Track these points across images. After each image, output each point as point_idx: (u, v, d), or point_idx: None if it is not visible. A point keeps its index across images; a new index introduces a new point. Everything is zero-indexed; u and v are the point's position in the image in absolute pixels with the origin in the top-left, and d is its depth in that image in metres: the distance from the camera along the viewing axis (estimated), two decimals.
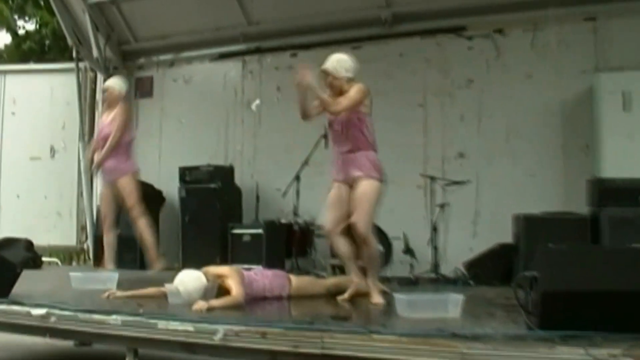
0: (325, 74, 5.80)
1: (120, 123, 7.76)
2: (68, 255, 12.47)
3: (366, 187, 5.61)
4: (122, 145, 7.81)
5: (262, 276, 5.78)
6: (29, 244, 9.78)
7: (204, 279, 5.27)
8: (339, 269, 7.84)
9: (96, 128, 7.93)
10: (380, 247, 8.56)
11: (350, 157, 5.72)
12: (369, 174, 5.65)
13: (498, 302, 5.67)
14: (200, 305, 4.84)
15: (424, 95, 9.43)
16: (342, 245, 5.76)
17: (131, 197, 7.78)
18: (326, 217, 5.81)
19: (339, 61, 5.83)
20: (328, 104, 5.65)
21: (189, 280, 5.25)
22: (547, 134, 8.73)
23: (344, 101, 5.63)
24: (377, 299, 5.49)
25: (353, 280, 5.81)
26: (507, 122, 8.88)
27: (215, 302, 4.98)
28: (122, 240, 10.02)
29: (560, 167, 8.60)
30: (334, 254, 8.48)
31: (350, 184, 5.70)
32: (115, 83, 8.11)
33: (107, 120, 7.90)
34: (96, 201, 11.03)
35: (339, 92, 5.75)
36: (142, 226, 7.85)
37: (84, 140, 11.03)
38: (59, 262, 11.66)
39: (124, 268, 9.04)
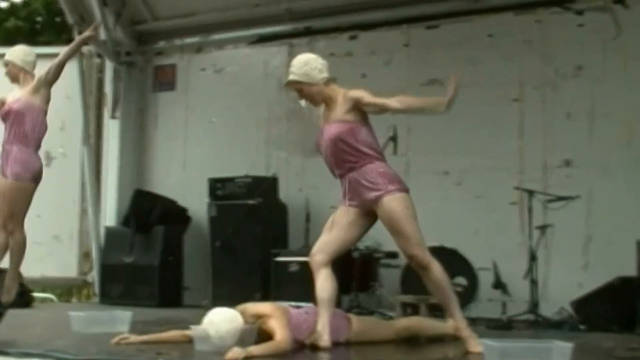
0: (296, 86, 5.98)
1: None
2: (67, 290, 12.58)
3: (392, 206, 5.59)
4: (35, 139, 7.49)
5: (313, 316, 5.76)
6: None
7: (240, 320, 5.27)
8: (411, 308, 7.79)
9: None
10: (463, 280, 8.55)
11: (356, 178, 5.74)
12: (387, 188, 5.62)
13: (618, 353, 5.61)
14: (236, 353, 4.84)
15: (521, 87, 9.35)
16: (324, 282, 5.71)
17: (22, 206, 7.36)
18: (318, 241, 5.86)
19: (307, 64, 5.95)
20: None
21: (222, 321, 5.25)
22: None
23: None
24: (475, 345, 5.37)
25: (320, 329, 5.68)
26: (628, 121, 8.73)
27: (255, 349, 4.97)
28: (137, 270, 10.16)
29: None
30: (405, 289, 8.48)
31: (369, 209, 5.71)
32: (14, 56, 7.48)
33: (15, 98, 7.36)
34: (104, 221, 11.16)
35: (322, 100, 5.93)
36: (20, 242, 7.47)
37: (88, 144, 11.14)
38: (55, 299, 11.75)
39: (138, 305, 9.12)
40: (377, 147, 5.86)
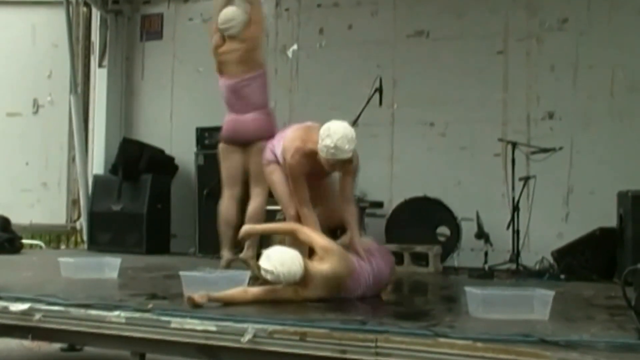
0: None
1: None
2: (55, 237, 12.59)
3: None
4: None
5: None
6: (4, 222, 9.90)
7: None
8: (396, 257, 7.85)
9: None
10: (446, 230, 8.61)
11: None
12: None
13: (598, 301, 5.67)
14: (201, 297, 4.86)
15: (505, 39, 9.34)
16: None
17: None
18: None
19: (351, 140, 5.64)
20: None
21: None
22: None
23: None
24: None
25: None
26: (612, 73, 8.76)
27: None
28: (125, 218, 10.17)
29: None
30: (389, 238, 8.55)
31: None
32: None
33: None
34: (92, 169, 11.14)
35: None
36: None
37: (76, 92, 11.05)
38: (44, 245, 11.77)
39: (126, 252, 9.15)
40: None
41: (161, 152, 10.70)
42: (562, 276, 7.54)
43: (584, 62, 8.90)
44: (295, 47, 10.21)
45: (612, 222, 7.74)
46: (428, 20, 9.54)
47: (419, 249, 8.11)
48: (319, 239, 5.33)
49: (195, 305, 4.75)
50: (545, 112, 9.06)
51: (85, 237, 10.96)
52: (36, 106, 11.56)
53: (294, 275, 4.99)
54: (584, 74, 8.89)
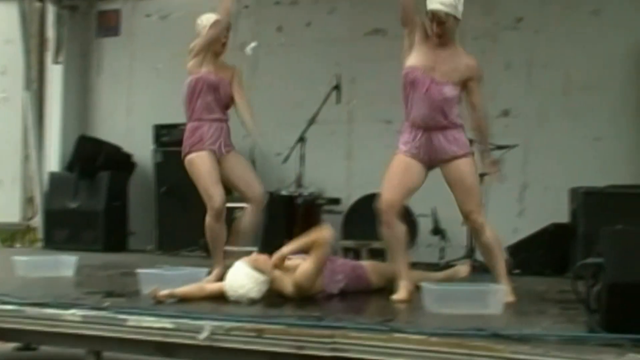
0: (447, 19, 5.68)
1: None
2: (10, 236, 12.48)
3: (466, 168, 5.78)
4: None
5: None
6: None
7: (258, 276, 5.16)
8: (353, 253, 7.89)
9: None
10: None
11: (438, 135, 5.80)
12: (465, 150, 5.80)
13: (550, 296, 5.77)
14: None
15: (460, 37, 9.27)
16: (399, 229, 5.74)
17: None
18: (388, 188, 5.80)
19: None
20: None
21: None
22: (617, 86, 8.73)
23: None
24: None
25: None
26: (565, 72, 8.86)
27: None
28: (82, 215, 10.11)
29: (633, 129, 8.62)
30: (346, 235, 8.57)
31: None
32: None
33: None
34: (48, 166, 11.07)
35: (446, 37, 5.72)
36: None
37: (30, 88, 10.99)
38: None
39: (83, 250, 9.12)
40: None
41: (118, 149, 10.66)
42: (517, 271, 7.64)
43: (539, 60, 9.01)
44: (254, 44, 10.18)
45: (565, 217, 7.87)
46: (385, 18, 9.54)
47: (376, 245, 8.15)
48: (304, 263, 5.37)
49: (158, 302, 4.78)
50: (500, 110, 9.11)
51: (41, 235, 10.89)
52: None
53: (251, 299, 5.04)
54: (539, 73, 9.00)
